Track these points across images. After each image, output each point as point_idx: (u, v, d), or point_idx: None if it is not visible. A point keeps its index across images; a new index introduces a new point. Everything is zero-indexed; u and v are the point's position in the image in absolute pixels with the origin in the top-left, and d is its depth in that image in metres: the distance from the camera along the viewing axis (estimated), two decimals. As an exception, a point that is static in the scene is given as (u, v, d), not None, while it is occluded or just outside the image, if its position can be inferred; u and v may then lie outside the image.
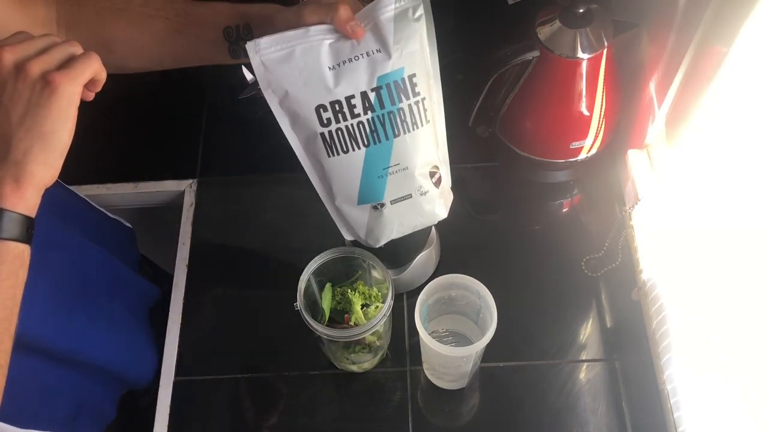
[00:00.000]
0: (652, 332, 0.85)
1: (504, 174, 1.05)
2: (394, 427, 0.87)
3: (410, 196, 0.69)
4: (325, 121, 0.62)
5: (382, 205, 0.69)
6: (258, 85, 1.12)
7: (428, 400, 0.88)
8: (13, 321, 0.56)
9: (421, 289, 0.78)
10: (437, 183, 0.70)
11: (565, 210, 1.04)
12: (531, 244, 1.00)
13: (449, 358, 0.79)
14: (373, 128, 0.63)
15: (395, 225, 0.71)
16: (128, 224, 1.06)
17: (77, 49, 0.57)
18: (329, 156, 0.65)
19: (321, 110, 0.62)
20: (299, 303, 0.77)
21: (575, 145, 0.95)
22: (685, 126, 0.84)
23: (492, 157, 1.06)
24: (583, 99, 0.90)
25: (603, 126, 0.94)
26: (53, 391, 0.81)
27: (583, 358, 0.90)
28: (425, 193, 0.69)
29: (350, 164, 0.65)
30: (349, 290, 0.83)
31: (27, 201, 0.55)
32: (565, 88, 0.90)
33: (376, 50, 0.62)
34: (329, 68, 0.61)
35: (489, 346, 0.78)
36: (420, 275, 0.94)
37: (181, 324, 0.95)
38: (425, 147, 0.67)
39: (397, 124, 0.63)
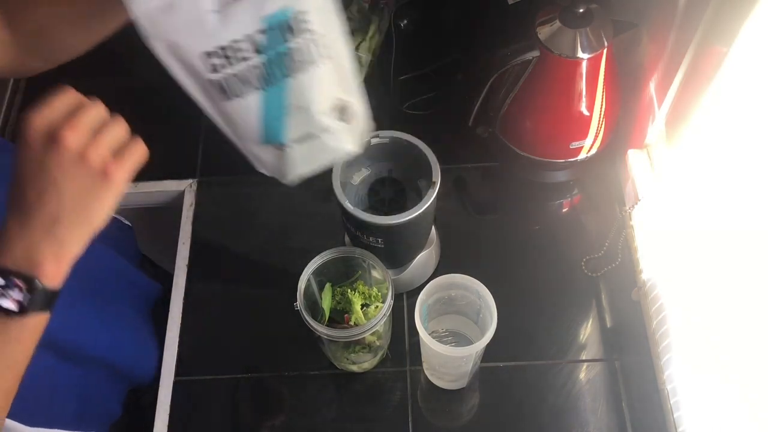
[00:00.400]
0: (652, 332, 0.85)
1: (504, 174, 1.05)
2: (394, 427, 0.87)
3: (312, 134, 0.66)
4: (215, 67, 0.60)
5: (284, 145, 0.67)
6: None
7: (428, 400, 0.89)
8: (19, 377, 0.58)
9: (421, 289, 0.78)
10: (347, 117, 0.67)
11: (565, 210, 1.04)
12: (531, 244, 1.00)
13: (449, 358, 0.79)
14: (265, 70, 0.61)
15: (300, 163, 0.69)
16: (128, 222, 1.06)
17: (124, 130, 0.61)
18: (226, 100, 0.63)
19: (208, 57, 0.59)
20: (299, 303, 0.77)
21: (575, 145, 0.95)
22: (685, 126, 0.84)
23: (492, 157, 1.06)
24: (583, 99, 0.90)
25: (603, 126, 0.94)
26: (61, 389, 0.81)
27: (583, 358, 0.90)
28: (328, 129, 0.66)
29: (248, 107, 0.64)
30: (349, 290, 0.83)
31: (62, 277, 0.57)
32: (565, 88, 0.90)
33: None
34: (213, 12, 0.58)
35: (489, 346, 0.78)
36: (420, 275, 0.94)
37: (181, 324, 0.95)
38: (326, 85, 0.64)
39: (291, 64, 0.60)
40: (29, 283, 0.55)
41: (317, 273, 0.81)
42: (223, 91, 0.63)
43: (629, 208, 0.93)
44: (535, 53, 0.87)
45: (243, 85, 0.62)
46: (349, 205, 0.78)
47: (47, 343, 0.73)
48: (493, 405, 0.88)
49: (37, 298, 0.55)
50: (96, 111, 0.59)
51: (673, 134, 0.87)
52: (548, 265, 0.97)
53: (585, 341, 0.91)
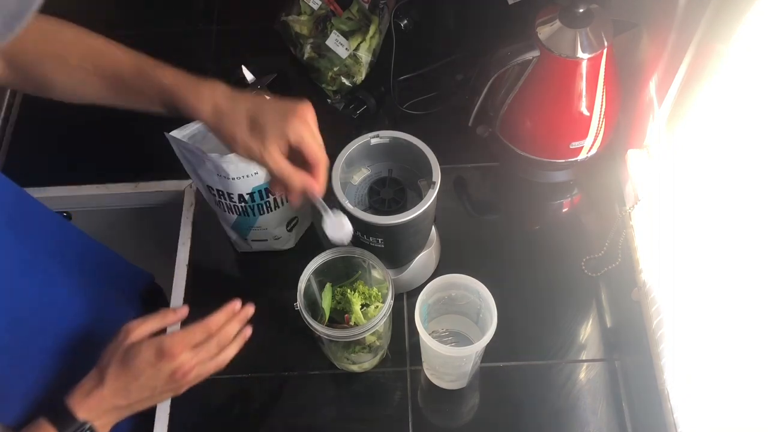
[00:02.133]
0: (652, 332, 0.85)
1: (504, 174, 1.05)
2: (394, 427, 0.87)
3: (266, 240, 0.97)
4: (214, 194, 0.89)
5: (247, 239, 0.97)
6: (258, 85, 1.13)
7: (428, 400, 0.89)
8: None
9: (421, 289, 0.78)
10: (293, 227, 0.97)
11: (565, 210, 1.04)
12: (531, 244, 1.00)
13: (449, 358, 0.79)
14: (243, 210, 0.89)
15: (255, 247, 0.99)
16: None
17: (220, 346, 0.73)
18: (215, 205, 0.92)
19: (211, 189, 0.88)
20: (299, 303, 0.78)
21: (575, 145, 0.95)
22: (685, 126, 0.84)
23: (492, 157, 1.06)
24: (583, 99, 0.90)
25: (603, 126, 0.94)
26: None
27: (583, 358, 0.90)
28: (278, 238, 0.97)
29: (226, 216, 0.93)
30: (349, 290, 0.83)
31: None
32: (565, 88, 0.90)
33: (254, 173, 0.84)
34: (230, 179, 0.84)
35: (489, 346, 0.78)
36: (420, 275, 0.94)
37: (181, 324, 0.94)
38: (283, 216, 0.94)
39: (263, 208, 0.90)
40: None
41: (317, 273, 0.81)
42: (212, 199, 0.90)
43: (629, 208, 0.93)
44: (535, 53, 0.87)
45: (227, 209, 0.90)
46: (349, 205, 0.78)
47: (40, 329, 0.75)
48: (493, 405, 0.88)
49: None
50: (205, 332, 0.72)
51: (673, 134, 0.87)
52: (548, 265, 0.97)
53: (585, 341, 0.91)
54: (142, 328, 0.71)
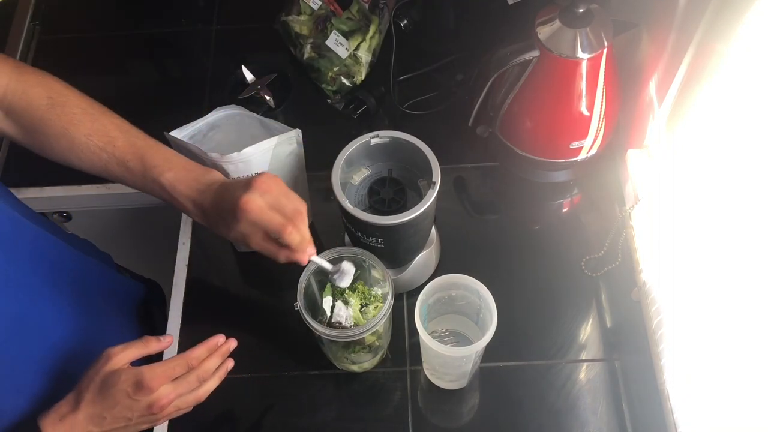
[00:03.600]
0: (652, 332, 0.85)
1: (504, 174, 1.05)
2: (394, 427, 0.87)
3: None
4: None
5: None
6: (258, 85, 1.13)
7: (428, 400, 0.89)
8: None
9: (421, 289, 0.78)
10: None
11: (565, 210, 1.04)
12: (531, 244, 1.00)
13: (449, 358, 0.79)
14: None
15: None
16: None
17: (200, 384, 0.73)
18: None
19: None
20: (299, 303, 0.77)
21: (575, 145, 0.95)
22: (685, 126, 0.84)
23: (492, 157, 1.06)
24: (583, 99, 0.90)
25: (603, 126, 0.94)
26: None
27: (583, 358, 0.90)
28: None
29: None
30: (349, 290, 0.83)
31: None
32: (565, 88, 0.90)
33: (254, 173, 0.82)
34: None
35: (489, 346, 0.78)
36: (420, 275, 0.94)
37: (181, 324, 0.95)
38: None
39: None
40: None
41: (317, 273, 0.81)
42: None
43: (629, 208, 0.93)
44: (535, 53, 0.87)
45: None
46: (349, 205, 0.78)
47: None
48: (493, 405, 0.88)
49: None
50: (185, 365, 0.72)
51: (673, 134, 0.87)
52: (548, 265, 0.97)
53: (585, 341, 0.91)
54: (122, 354, 0.70)
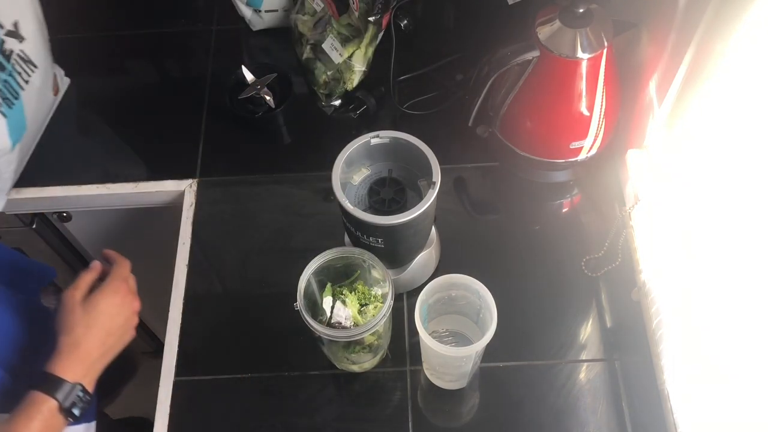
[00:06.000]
0: (652, 332, 0.85)
1: (504, 174, 1.05)
2: (394, 427, 0.87)
3: (277, 10, 1.16)
4: None
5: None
6: (258, 85, 1.13)
7: (428, 400, 0.89)
8: None
9: (421, 289, 0.78)
10: None
11: (565, 210, 1.04)
12: (531, 244, 1.00)
13: (449, 358, 0.79)
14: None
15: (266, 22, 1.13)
16: None
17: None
18: None
19: None
20: (299, 303, 0.77)
21: (575, 145, 0.95)
22: (685, 126, 0.84)
23: (492, 157, 1.06)
24: (583, 99, 0.90)
25: (603, 126, 0.94)
26: None
27: (583, 358, 0.90)
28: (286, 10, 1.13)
29: None
30: (348, 290, 0.83)
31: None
32: (565, 88, 0.90)
33: None
34: None
35: (489, 346, 0.78)
36: (420, 275, 0.94)
37: (181, 324, 0.95)
38: None
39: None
40: (88, 395, 0.75)
41: (317, 273, 0.81)
42: None
43: (629, 208, 0.93)
44: (535, 53, 0.87)
45: None
46: (349, 205, 0.78)
47: None
48: (493, 405, 0.88)
49: (86, 408, 0.75)
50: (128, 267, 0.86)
51: (673, 134, 0.87)
52: (548, 265, 0.97)
53: (585, 341, 0.91)
54: (82, 288, 0.79)
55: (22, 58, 0.98)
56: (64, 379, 0.73)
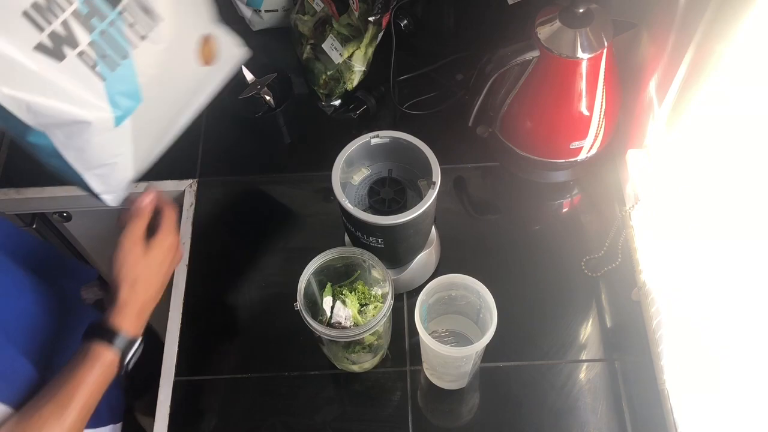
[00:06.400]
0: (652, 332, 0.85)
1: (504, 174, 1.05)
2: (394, 427, 0.87)
3: (277, 10, 1.15)
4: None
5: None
6: (258, 85, 1.13)
7: (428, 400, 0.89)
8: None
9: (421, 289, 0.78)
10: None
11: (565, 210, 1.04)
12: (531, 244, 1.00)
13: (449, 358, 0.79)
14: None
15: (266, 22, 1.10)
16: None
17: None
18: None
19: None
20: (299, 303, 0.77)
21: (575, 145, 0.95)
22: (685, 126, 0.84)
23: (492, 157, 1.06)
24: (583, 99, 0.90)
25: (603, 126, 0.94)
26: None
27: (583, 358, 0.90)
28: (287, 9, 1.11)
29: None
30: (348, 290, 0.83)
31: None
32: (565, 88, 0.90)
33: None
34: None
35: (489, 346, 0.78)
36: (420, 275, 0.94)
37: (181, 324, 0.95)
38: None
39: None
40: (140, 348, 0.75)
41: (317, 273, 0.81)
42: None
43: (629, 208, 0.93)
44: (535, 53, 0.87)
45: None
46: (349, 205, 0.78)
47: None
48: (493, 405, 0.88)
49: (138, 355, 0.75)
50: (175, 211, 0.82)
51: (672, 134, 0.87)
52: (548, 265, 0.97)
53: (585, 341, 0.91)
54: (140, 238, 0.76)
55: (138, 5, 0.71)
56: (126, 332, 0.73)
